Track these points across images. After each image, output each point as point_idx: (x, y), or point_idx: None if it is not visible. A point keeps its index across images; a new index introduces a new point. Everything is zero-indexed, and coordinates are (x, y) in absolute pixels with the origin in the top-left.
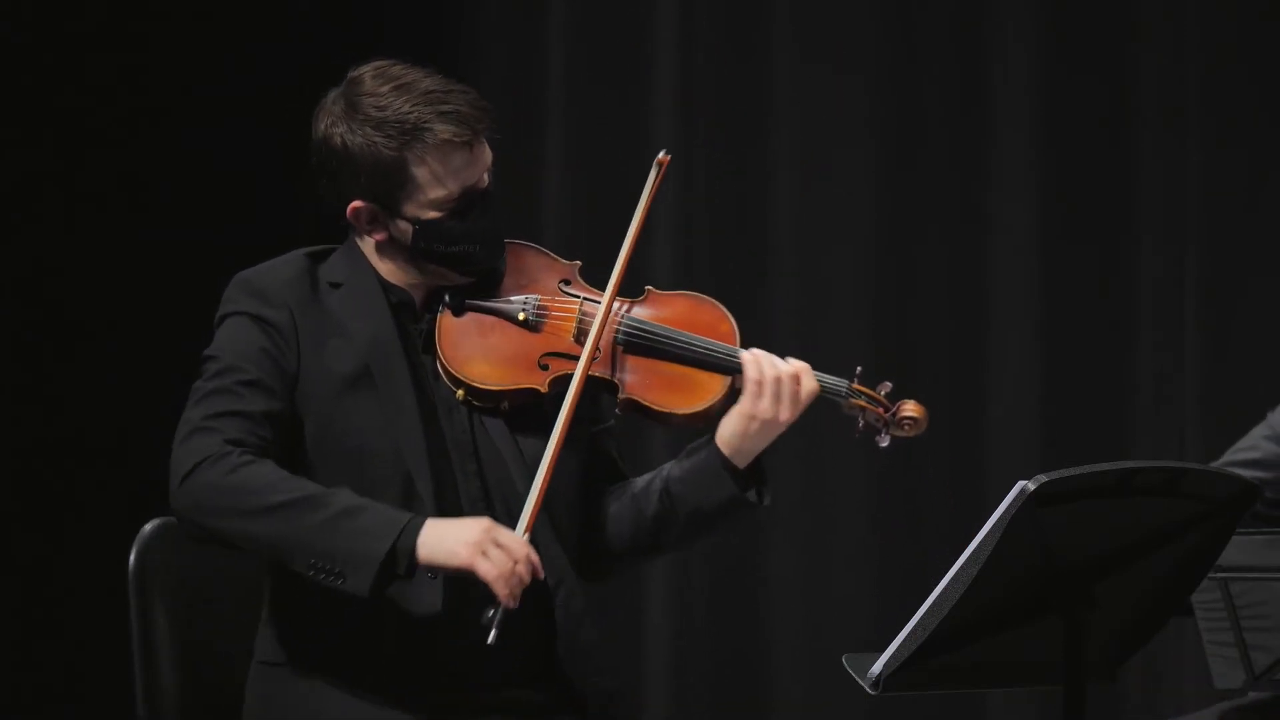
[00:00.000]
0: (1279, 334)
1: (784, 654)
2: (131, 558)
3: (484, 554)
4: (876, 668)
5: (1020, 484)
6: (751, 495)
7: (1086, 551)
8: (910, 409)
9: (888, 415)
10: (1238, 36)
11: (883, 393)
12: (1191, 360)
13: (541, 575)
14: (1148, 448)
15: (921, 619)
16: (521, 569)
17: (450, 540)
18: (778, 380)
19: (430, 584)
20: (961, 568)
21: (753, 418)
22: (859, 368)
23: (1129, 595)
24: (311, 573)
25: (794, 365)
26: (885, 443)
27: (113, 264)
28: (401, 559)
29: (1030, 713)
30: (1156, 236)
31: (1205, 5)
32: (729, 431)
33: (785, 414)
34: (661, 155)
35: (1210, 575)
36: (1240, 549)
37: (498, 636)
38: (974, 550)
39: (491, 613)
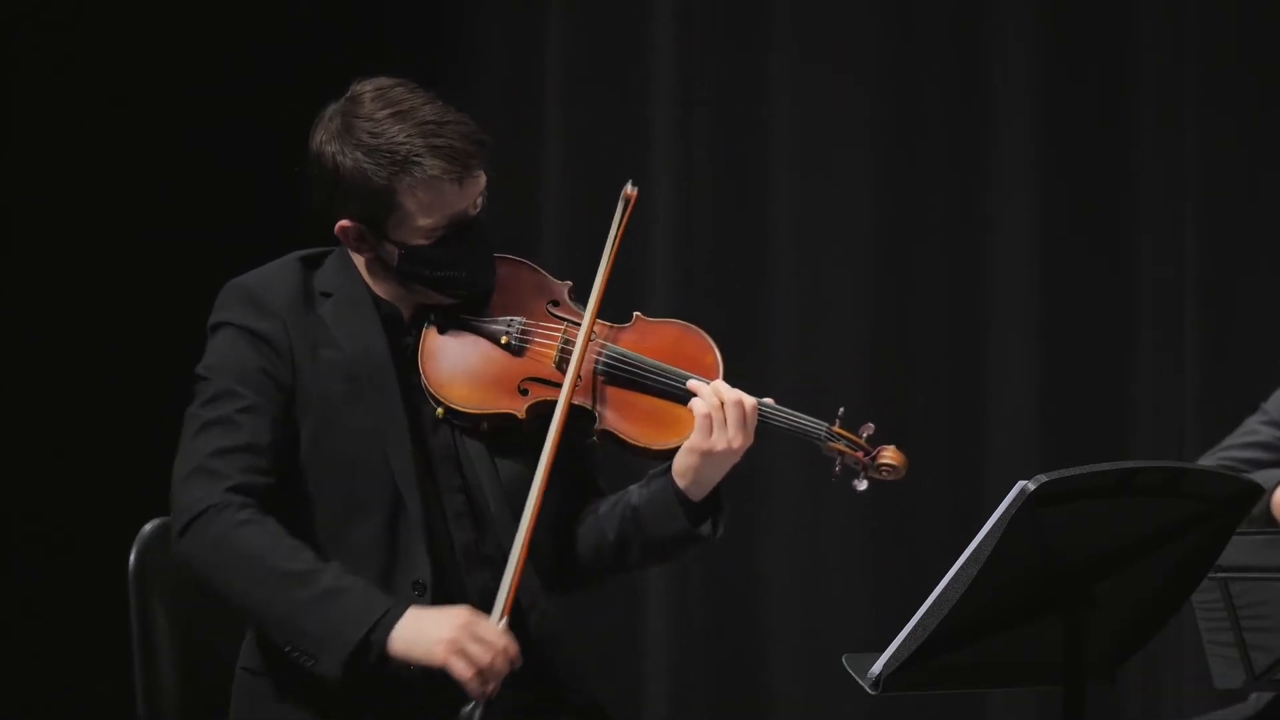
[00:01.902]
0: (1279, 334)
1: (784, 654)
2: (131, 558)
3: (460, 652)
4: (876, 668)
5: (1020, 484)
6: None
7: (1086, 551)
8: (889, 456)
9: (866, 460)
10: (1238, 36)
11: (864, 435)
12: (1191, 360)
13: (518, 664)
14: (1148, 447)
15: (921, 619)
16: (499, 663)
17: (427, 638)
18: (722, 408)
19: (418, 602)
20: (961, 568)
21: (706, 452)
22: (841, 409)
23: (1129, 595)
24: (287, 648)
25: (742, 394)
26: (863, 486)
27: (113, 264)
28: (374, 650)
29: (1030, 713)
30: (1156, 236)
31: (1205, 5)
32: (683, 465)
33: (737, 442)
34: (628, 189)
35: (1210, 575)
36: (1240, 549)
37: None
38: (974, 550)
39: (471, 706)
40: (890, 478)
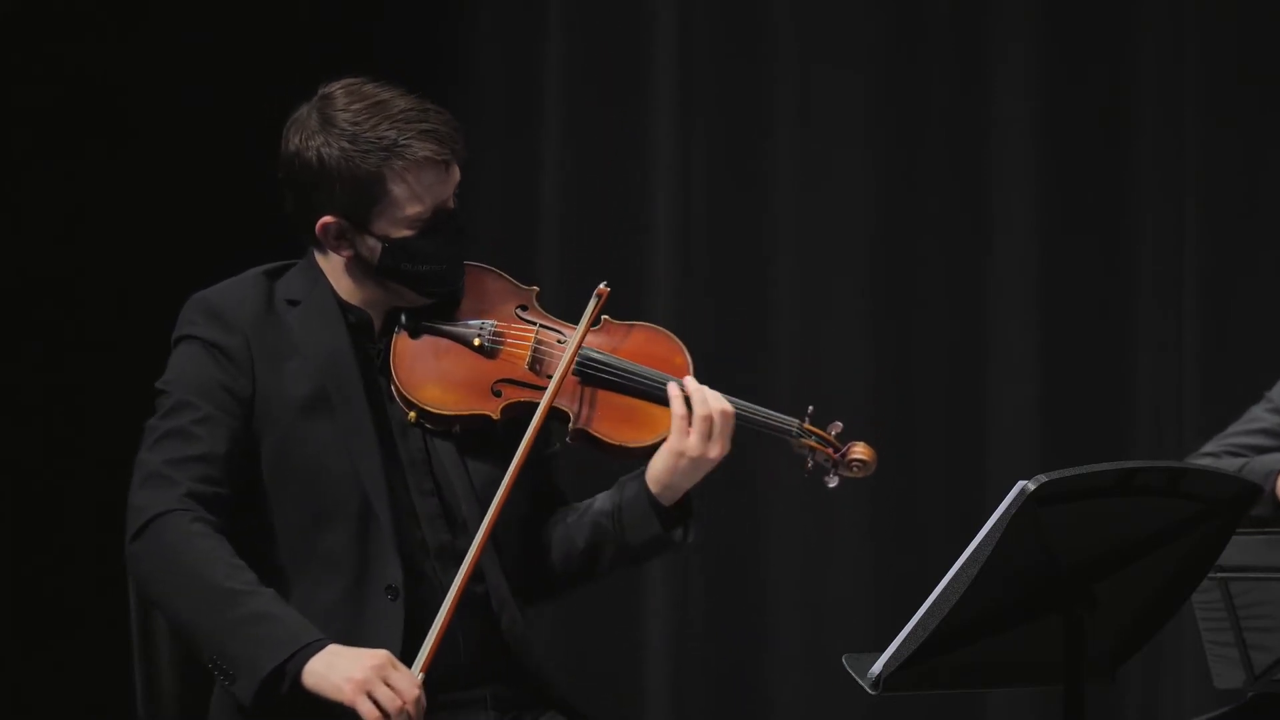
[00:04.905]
0: (1278, 331)
1: (784, 654)
2: None
3: (368, 694)
4: (876, 668)
5: (1020, 484)
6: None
7: (1086, 551)
8: (859, 451)
9: (837, 456)
10: (1238, 36)
11: (833, 433)
12: (1191, 360)
13: None
14: (1147, 446)
15: (922, 619)
16: (410, 710)
17: (338, 674)
18: (707, 419)
19: (391, 607)
20: (962, 568)
21: (681, 455)
22: (810, 407)
23: (1129, 595)
24: (210, 665)
25: (724, 402)
26: (834, 483)
27: (113, 264)
28: (287, 679)
29: (1030, 713)
30: (1156, 236)
31: (1205, 5)
32: (658, 469)
33: (714, 451)
34: (601, 286)
35: (1210, 575)
36: (1240, 549)
37: None
38: (974, 550)
39: None
40: (860, 474)
